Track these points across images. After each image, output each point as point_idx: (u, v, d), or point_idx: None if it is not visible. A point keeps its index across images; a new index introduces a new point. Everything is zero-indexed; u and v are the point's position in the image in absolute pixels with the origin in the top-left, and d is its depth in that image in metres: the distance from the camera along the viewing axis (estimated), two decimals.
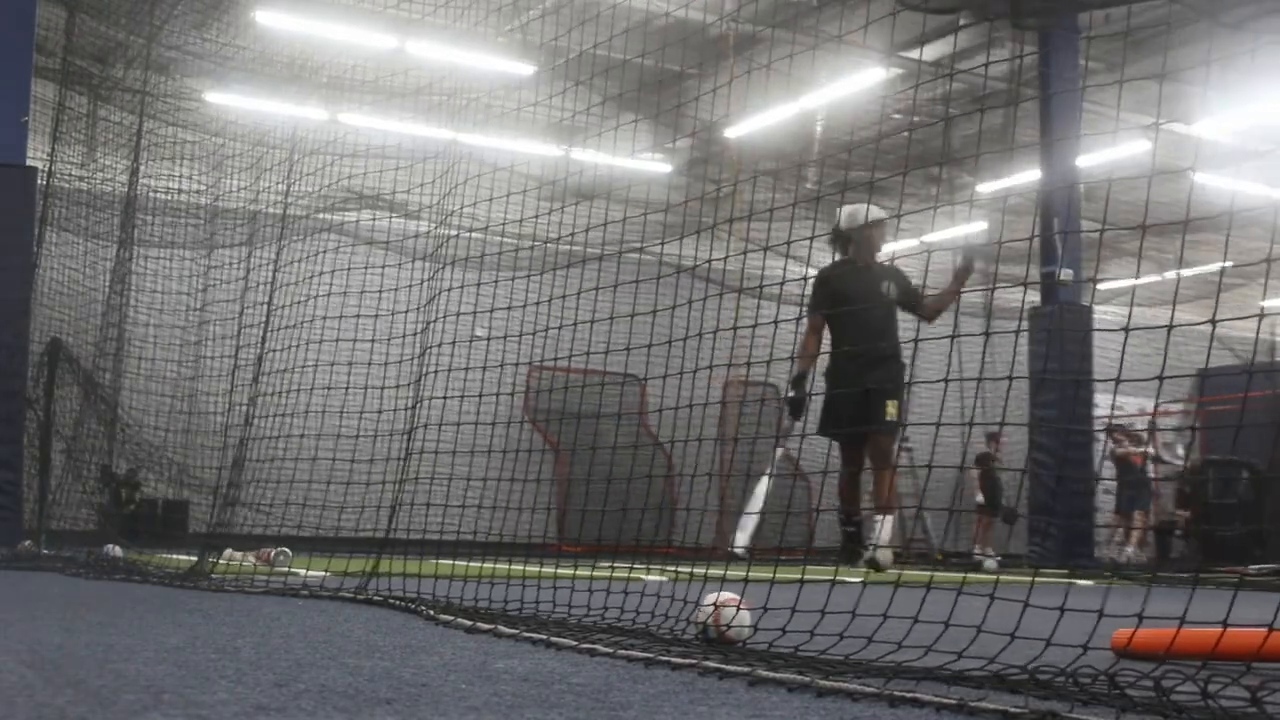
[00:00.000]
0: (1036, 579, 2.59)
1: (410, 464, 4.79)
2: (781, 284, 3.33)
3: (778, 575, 2.92)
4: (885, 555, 6.83)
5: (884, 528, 7.21)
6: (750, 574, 3.03)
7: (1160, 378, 2.43)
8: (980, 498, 14.58)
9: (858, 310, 6.91)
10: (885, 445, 7.12)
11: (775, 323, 3.34)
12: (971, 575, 2.68)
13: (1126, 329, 2.24)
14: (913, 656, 2.12)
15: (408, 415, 4.96)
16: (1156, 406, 16.09)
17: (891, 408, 6.88)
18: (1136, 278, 15.85)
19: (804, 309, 7.27)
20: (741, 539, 6.77)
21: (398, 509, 4.75)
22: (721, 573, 3.01)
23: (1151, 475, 15.50)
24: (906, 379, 7.06)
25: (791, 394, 6.96)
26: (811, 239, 3.27)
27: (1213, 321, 2.05)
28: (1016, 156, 14.19)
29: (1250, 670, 1.93)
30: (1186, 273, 15.17)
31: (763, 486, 6.76)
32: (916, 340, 2.57)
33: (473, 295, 4.85)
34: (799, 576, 2.65)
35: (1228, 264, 13.50)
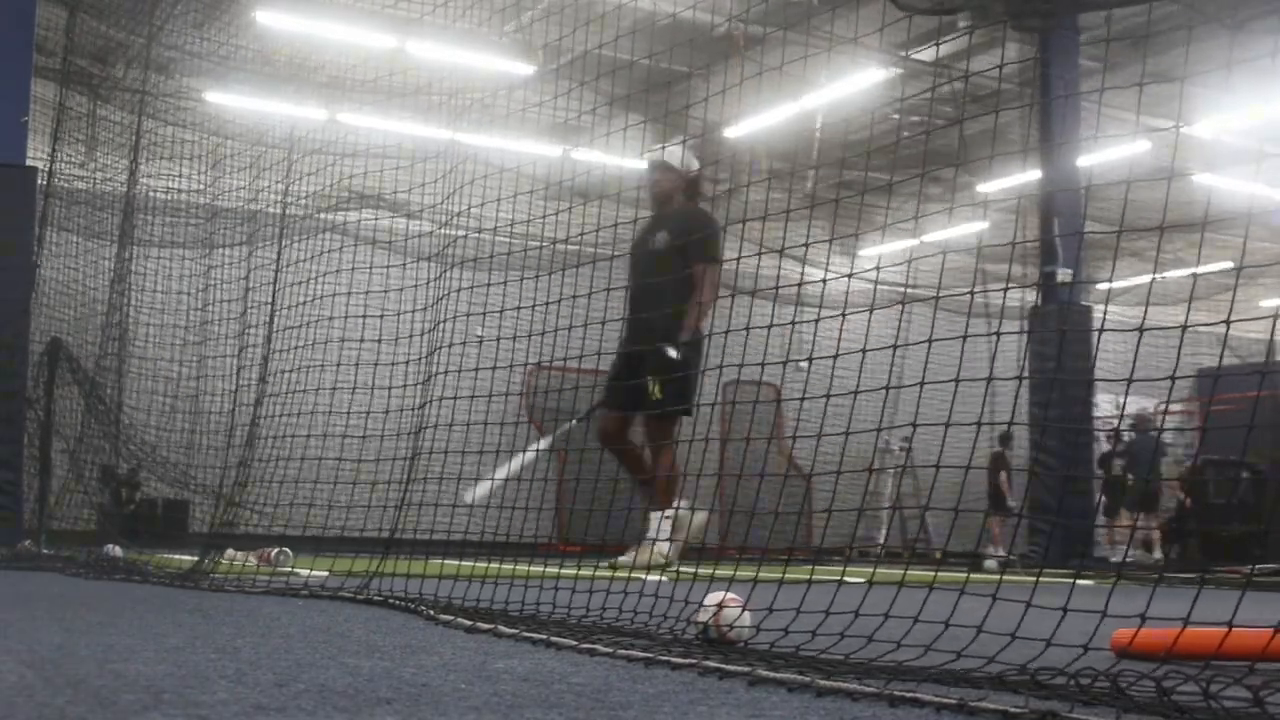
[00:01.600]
0: (1037, 579, 2.59)
1: (417, 464, 4.79)
2: (777, 284, 3.33)
3: (784, 575, 2.92)
4: (658, 549, 5.91)
5: (660, 523, 6.19)
6: (743, 575, 3.03)
7: (1162, 379, 2.43)
8: (1012, 502, 14.66)
9: (634, 265, 6.36)
10: (650, 428, 6.32)
11: (794, 323, 3.34)
12: (973, 576, 2.68)
13: (1141, 329, 2.24)
14: (912, 656, 2.12)
15: (414, 416, 4.96)
16: (1165, 406, 16.07)
17: (652, 385, 6.10)
18: (1151, 277, 15.85)
19: None
20: (478, 493, 5.78)
21: (404, 509, 4.75)
22: (727, 573, 3.01)
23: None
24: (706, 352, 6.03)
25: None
26: (801, 240, 3.27)
27: (1227, 322, 2.05)
28: (1015, 157, 14.21)
29: (1253, 670, 1.93)
30: (1185, 273, 15.20)
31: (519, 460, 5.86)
32: (931, 340, 2.56)
33: (473, 296, 4.85)
34: (807, 577, 2.65)
35: (1227, 264, 13.51)
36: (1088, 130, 12.31)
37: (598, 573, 4.39)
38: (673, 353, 6.00)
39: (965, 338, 2.70)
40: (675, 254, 6.12)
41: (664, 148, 6.67)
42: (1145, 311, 2.39)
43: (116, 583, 4.68)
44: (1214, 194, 14.67)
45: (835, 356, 3.05)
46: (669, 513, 6.16)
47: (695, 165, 6.55)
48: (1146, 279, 16.21)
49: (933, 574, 2.60)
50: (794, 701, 1.79)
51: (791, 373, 3.41)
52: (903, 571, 2.71)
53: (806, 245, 3.17)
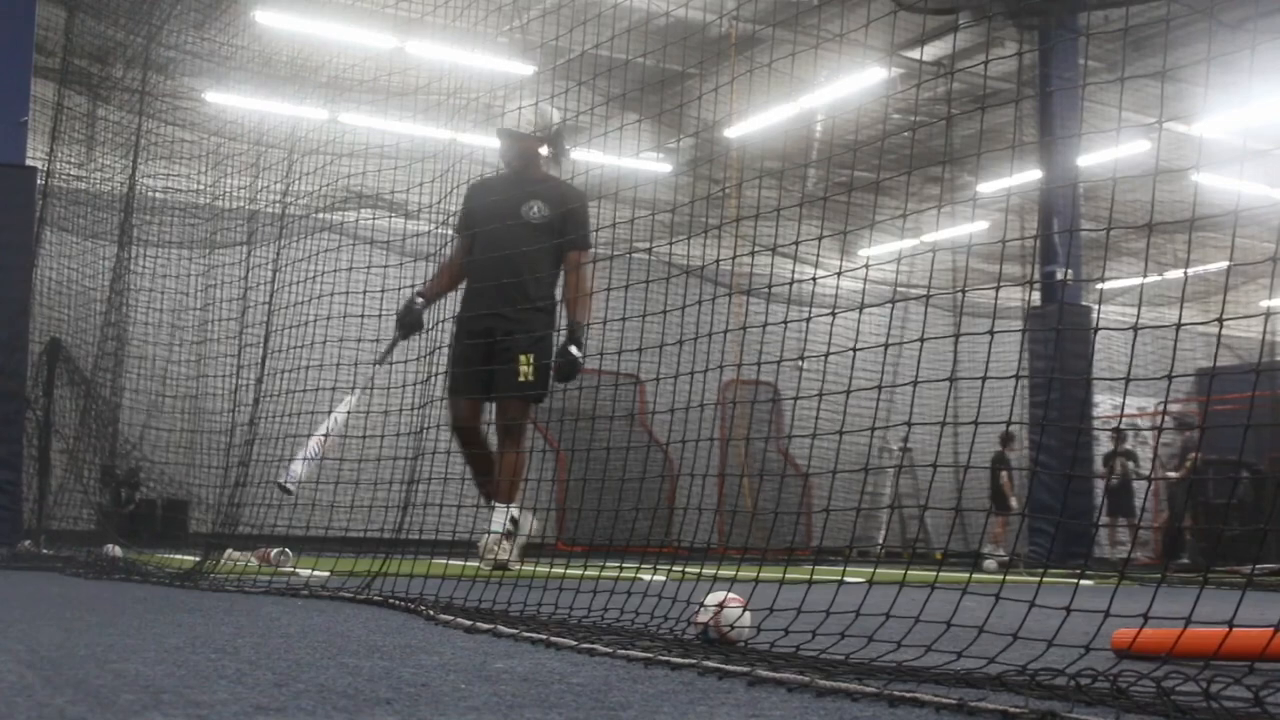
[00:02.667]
0: (1035, 579, 2.59)
1: (419, 464, 4.78)
2: (771, 283, 3.33)
3: (784, 576, 2.92)
4: (503, 547, 5.55)
5: (501, 515, 5.74)
6: (744, 574, 3.03)
7: (1160, 377, 2.42)
8: (1014, 501, 14.66)
9: (488, 231, 5.71)
10: (515, 412, 5.73)
11: (785, 322, 3.34)
12: (966, 576, 2.68)
13: (1135, 328, 2.24)
14: (912, 656, 2.12)
15: (415, 416, 4.94)
16: (1162, 406, 16.06)
17: (525, 365, 5.64)
18: (1143, 277, 15.82)
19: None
20: (294, 472, 5.31)
21: (409, 509, 4.73)
22: (726, 573, 3.01)
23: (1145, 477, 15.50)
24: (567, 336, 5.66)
25: (403, 308, 5.75)
26: (795, 236, 3.27)
27: (1220, 320, 2.05)
28: (1017, 156, 14.21)
29: (1252, 670, 1.93)
30: (1186, 272, 15.18)
31: (332, 420, 5.34)
32: (922, 339, 2.56)
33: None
34: (807, 577, 2.65)
35: (1226, 264, 13.47)
36: (1087, 129, 12.32)
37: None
38: (577, 352, 5.65)
39: (953, 335, 2.70)
40: (551, 233, 5.77)
41: (511, 111, 6.14)
42: (1139, 311, 2.39)
43: (116, 583, 4.68)
44: (1212, 194, 14.67)
45: (822, 353, 3.05)
46: (515, 507, 5.77)
47: (555, 118, 6.10)
48: (1147, 279, 16.21)
49: (933, 574, 2.61)
50: (794, 701, 1.79)
51: (791, 372, 3.40)
52: (903, 571, 2.71)
53: (795, 242, 3.17)
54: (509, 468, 5.74)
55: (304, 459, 5.23)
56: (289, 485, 5.27)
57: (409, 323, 5.81)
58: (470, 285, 5.78)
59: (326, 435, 5.25)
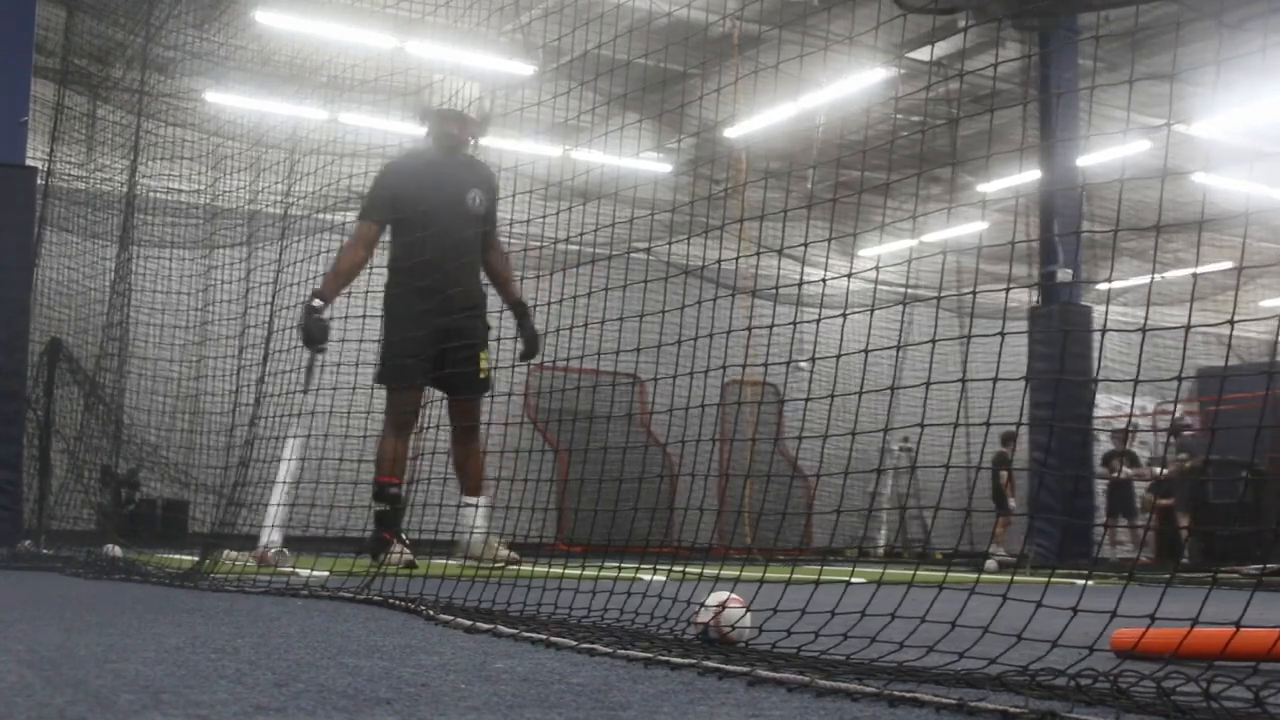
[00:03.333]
0: (1037, 579, 2.59)
1: (417, 464, 4.79)
2: (771, 284, 3.33)
3: (790, 576, 2.92)
4: (489, 544, 5.55)
5: (478, 514, 5.73)
6: (747, 574, 3.03)
7: (1160, 379, 2.43)
8: (1013, 501, 14.69)
9: (440, 226, 5.49)
10: (477, 411, 5.73)
11: (795, 323, 3.33)
12: (969, 576, 2.68)
13: (1144, 329, 2.24)
14: (913, 657, 2.12)
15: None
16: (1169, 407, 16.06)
17: (485, 363, 5.64)
18: (1130, 277, 15.83)
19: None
20: (275, 540, 5.34)
21: (409, 509, 4.73)
22: (727, 573, 3.01)
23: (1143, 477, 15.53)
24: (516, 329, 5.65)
25: (304, 319, 5.37)
26: (797, 238, 3.27)
27: (1231, 322, 2.04)
28: (1015, 156, 14.21)
29: (1256, 671, 1.93)
30: (1185, 273, 15.21)
31: (284, 469, 5.23)
32: (934, 341, 2.56)
33: None
34: (815, 577, 2.64)
35: (1229, 265, 13.49)
36: (1087, 129, 12.32)
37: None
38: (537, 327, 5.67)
39: (956, 338, 2.70)
40: (483, 221, 5.74)
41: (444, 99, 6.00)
42: (1146, 312, 2.39)
43: (116, 583, 4.68)
44: (1213, 194, 14.68)
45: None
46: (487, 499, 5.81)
47: (486, 103, 6.05)
48: (1147, 279, 16.22)
49: (932, 575, 2.61)
50: (794, 701, 1.79)
51: (791, 371, 3.41)
52: (907, 571, 2.71)
53: (804, 244, 3.17)
54: (481, 464, 5.77)
55: (276, 525, 5.25)
56: (282, 551, 5.32)
57: (318, 335, 5.42)
58: (425, 282, 5.51)
59: (291, 484, 5.22)
